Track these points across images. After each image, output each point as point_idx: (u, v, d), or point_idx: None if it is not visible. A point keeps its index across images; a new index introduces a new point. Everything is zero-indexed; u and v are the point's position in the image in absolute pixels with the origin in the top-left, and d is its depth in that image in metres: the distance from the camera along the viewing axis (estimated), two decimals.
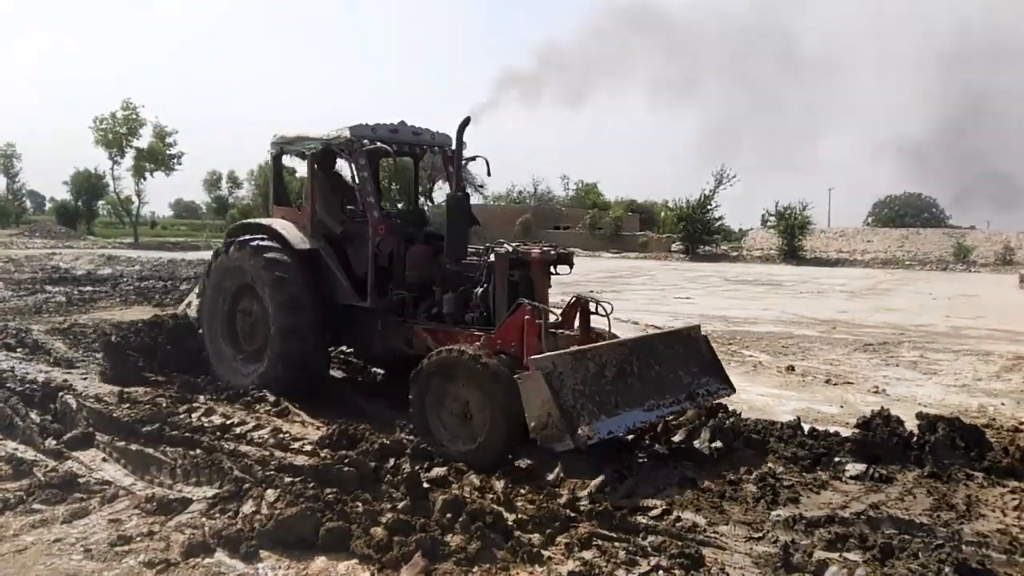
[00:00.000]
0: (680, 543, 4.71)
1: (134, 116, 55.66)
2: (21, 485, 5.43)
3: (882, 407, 6.95)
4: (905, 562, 4.05)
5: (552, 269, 7.16)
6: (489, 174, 7.81)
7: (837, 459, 6.19)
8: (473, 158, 8.29)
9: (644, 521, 5.05)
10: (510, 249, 7.03)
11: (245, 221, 8.80)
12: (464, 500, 5.03)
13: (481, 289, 7.21)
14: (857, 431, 6.42)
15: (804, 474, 5.99)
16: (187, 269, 26.67)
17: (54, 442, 6.17)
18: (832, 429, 6.99)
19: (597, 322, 7.23)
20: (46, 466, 5.74)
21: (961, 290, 26.27)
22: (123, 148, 56.37)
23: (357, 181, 7.92)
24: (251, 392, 7.75)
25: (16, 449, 6.13)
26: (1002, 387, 9.91)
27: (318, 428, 6.88)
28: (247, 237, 8.15)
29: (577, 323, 7.15)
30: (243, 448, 5.97)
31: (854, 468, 5.94)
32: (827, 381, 10.15)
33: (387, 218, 7.90)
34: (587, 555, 4.60)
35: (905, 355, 12.44)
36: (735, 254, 51.02)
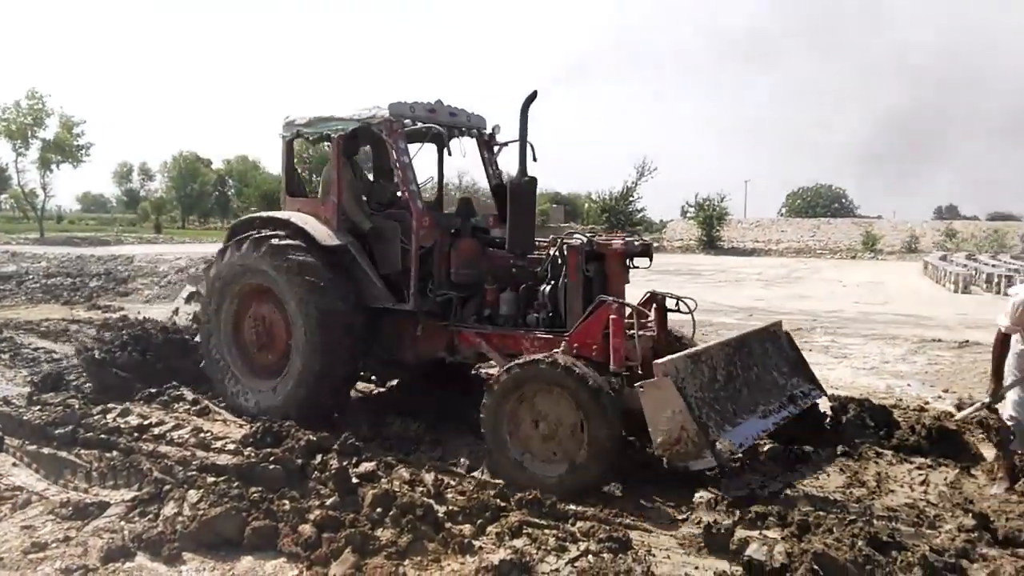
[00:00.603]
0: (608, 527, 4.81)
1: (40, 106, 53.15)
2: None
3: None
4: (821, 537, 4.22)
5: (628, 262, 6.35)
6: (535, 159, 6.72)
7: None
8: (505, 144, 7.56)
9: (573, 508, 5.12)
10: (585, 240, 6.27)
11: (256, 215, 7.62)
12: (394, 494, 5.01)
13: (548, 286, 6.40)
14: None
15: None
16: (97, 265, 25.62)
17: None
18: None
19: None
20: None
21: (869, 277, 27.38)
22: (28, 139, 53.80)
23: (397, 167, 6.87)
24: (167, 391, 7.48)
25: None
26: (908, 369, 10.40)
27: (241, 427, 6.73)
28: (266, 233, 6.96)
29: (655, 325, 6.40)
30: (163, 449, 5.80)
31: (773, 449, 6.14)
32: None
33: (429, 209, 7.03)
34: (518, 543, 4.64)
35: (818, 340, 12.91)
36: (656, 245, 51.95)
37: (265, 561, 4.49)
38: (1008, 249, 41.67)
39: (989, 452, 6.22)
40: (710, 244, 48.48)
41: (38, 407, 6.87)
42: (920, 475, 5.73)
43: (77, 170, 76.78)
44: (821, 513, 4.70)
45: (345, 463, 5.64)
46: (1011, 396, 5.46)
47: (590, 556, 4.36)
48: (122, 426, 6.33)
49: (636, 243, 6.35)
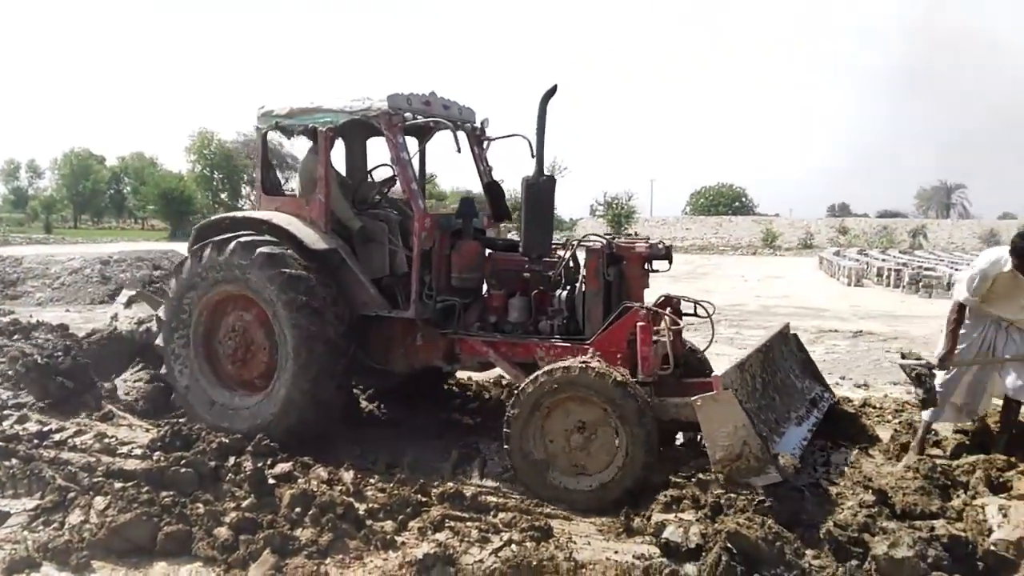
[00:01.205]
0: (529, 517, 4.89)
1: None
2: None
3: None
4: (733, 517, 4.39)
5: (648, 266, 6.06)
6: (533, 156, 6.24)
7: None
8: (496, 139, 7.16)
9: (494, 500, 5.18)
10: (605, 243, 5.99)
11: (227, 215, 6.96)
12: (312, 493, 4.94)
13: (564, 292, 6.09)
14: None
15: None
16: None
17: None
18: None
19: None
20: None
21: (769, 272, 28.48)
22: None
23: (396, 163, 6.41)
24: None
25: None
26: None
27: (147, 430, 6.51)
28: (246, 238, 6.23)
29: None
30: (65, 455, 5.56)
31: (683, 436, 6.33)
32: None
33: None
34: (441, 537, 4.66)
35: (723, 332, 13.30)
36: None
37: (180, 566, 4.40)
38: (896, 244, 44.07)
39: (885, 433, 6.60)
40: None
41: None
42: (822, 456, 6.02)
43: None
44: (731, 495, 4.86)
45: (260, 464, 5.52)
46: (943, 373, 5.84)
47: (513, 546, 4.41)
48: (20, 433, 6.02)
49: (659, 246, 6.08)
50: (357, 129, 6.82)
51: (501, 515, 4.96)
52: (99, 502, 4.79)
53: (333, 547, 4.52)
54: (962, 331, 5.84)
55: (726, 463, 4.77)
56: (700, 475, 5.08)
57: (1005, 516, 4.50)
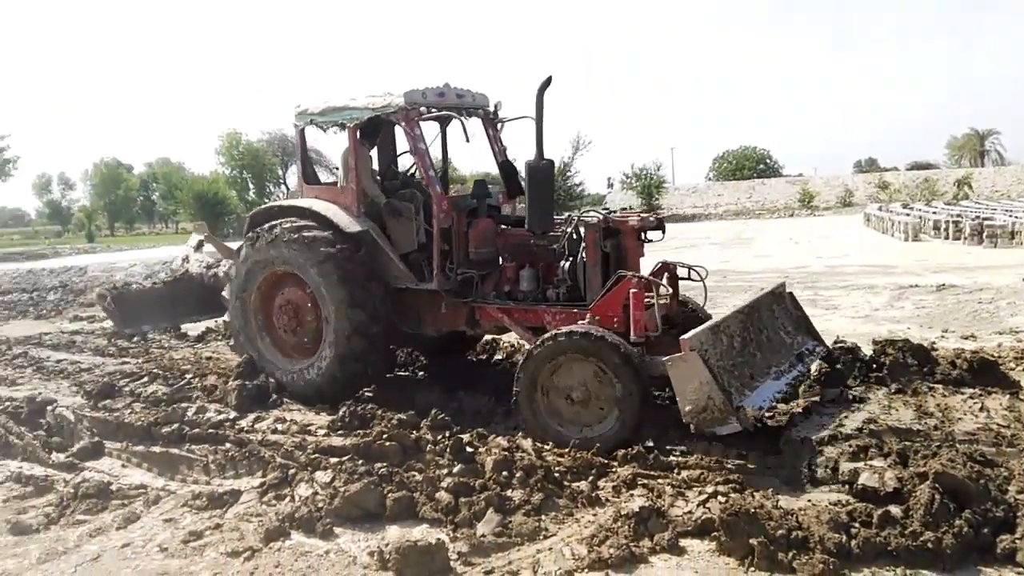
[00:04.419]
0: (716, 474, 5.16)
1: None
2: (49, 500, 5.24)
3: (837, 337, 7.74)
4: (925, 461, 4.66)
5: (643, 236, 6.66)
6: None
7: (804, 388, 6.84)
8: (509, 120, 7.73)
9: (675, 459, 5.46)
10: (601, 218, 6.64)
11: (275, 203, 7.99)
12: (512, 459, 5.28)
13: (567, 263, 6.76)
14: (822, 362, 7.09)
15: (783, 404, 6.58)
16: (50, 278, 24.85)
17: (61, 456, 5.92)
18: None
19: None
20: (66, 479, 5.53)
21: (816, 233, 28.50)
22: None
23: (414, 153, 7.22)
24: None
25: (21, 467, 5.84)
26: (899, 314, 11.08)
27: (317, 414, 6.88)
28: (291, 224, 7.21)
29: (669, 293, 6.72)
30: (271, 437, 5.94)
31: (829, 392, 6.61)
32: None
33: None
34: (636, 493, 4.98)
35: (800, 294, 13.24)
36: None
37: (411, 528, 4.72)
38: (939, 196, 43.52)
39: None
40: (651, 212, 49.29)
41: (129, 411, 6.92)
42: (975, 403, 6.24)
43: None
44: (907, 443, 5.14)
45: (443, 435, 5.87)
46: None
47: (719, 496, 4.72)
48: (224, 421, 6.41)
49: (651, 218, 6.75)
50: (385, 120, 7.45)
51: (685, 472, 5.27)
52: (320, 476, 5.17)
53: (545, 505, 4.85)
54: None
55: (694, 415, 5.31)
56: (871, 426, 5.37)
57: None
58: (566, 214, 7.18)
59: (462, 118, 7.29)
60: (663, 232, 6.75)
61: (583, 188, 55.09)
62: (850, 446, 5.20)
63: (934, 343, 8.61)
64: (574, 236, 6.76)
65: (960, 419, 5.78)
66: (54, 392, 8.00)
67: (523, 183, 6.96)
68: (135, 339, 10.61)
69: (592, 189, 60.65)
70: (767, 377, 6.09)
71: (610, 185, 62.37)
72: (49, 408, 6.91)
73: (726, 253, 23.01)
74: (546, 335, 5.99)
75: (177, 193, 63.37)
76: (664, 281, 6.70)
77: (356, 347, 6.92)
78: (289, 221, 7.26)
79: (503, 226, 7.26)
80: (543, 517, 4.74)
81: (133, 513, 4.97)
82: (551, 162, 6.82)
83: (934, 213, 24.85)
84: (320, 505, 4.83)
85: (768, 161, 78.84)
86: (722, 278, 16.80)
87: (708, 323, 5.96)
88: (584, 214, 6.85)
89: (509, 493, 4.96)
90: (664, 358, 5.52)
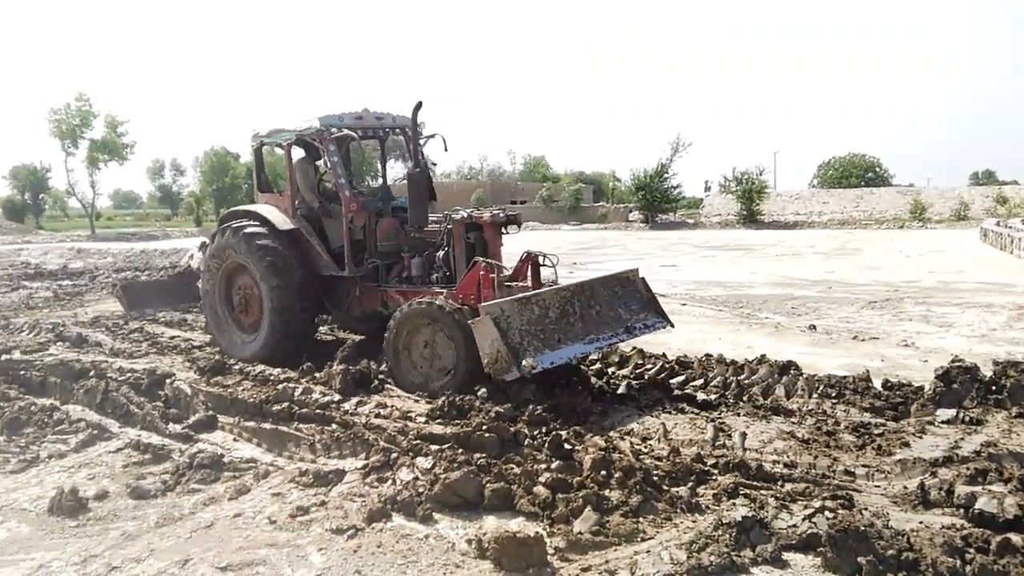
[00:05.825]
0: (822, 488, 5.01)
1: (87, 107, 55.29)
2: (166, 468, 5.51)
3: (954, 356, 7.39)
4: None
5: (504, 230, 8.16)
6: (446, 150, 9.06)
7: (917, 407, 6.58)
8: (432, 136, 9.09)
9: (779, 471, 5.34)
10: (465, 215, 8.18)
11: (236, 208, 9.82)
12: (610, 459, 5.26)
13: (443, 252, 8.33)
14: (938, 381, 6.79)
15: (894, 422, 6.36)
16: (161, 259, 26.19)
17: (177, 427, 6.23)
18: (902, 380, 7.39)
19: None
20: (181, 449, 5.81)
21: (928, 246, 27.26)
22: (76, 139, 55.87)
23: (328, 165, 8.82)
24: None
25: (140, 435, 6.17)
26: (1019, 335, 10.49)
27: (416, 401, 7.02)
28: (237, 224, 9.07)
29: (530, 276, 7.91)
30: (375, 421, 6.09)
31: (944, 414, 6.32)
32: (854, 338, 10.59)
33: (358, 196, 8.91)
34: (738, 503, 4.88)
35: (911, 310, 13.01)
36: (692, 221, 51.85)
37: (508, 520, 4.75)
38: None
39: None
40: (750, 218, 48.17)
41: (240, 388, 7.24)
42: None
43: (114, 167, 78.14)
44: None
45: (539, 431, 5.89)
46: None
47: (826, 511, 4.58)
48: (329, 403, 6.63)
49: (501, 215, 8.19)
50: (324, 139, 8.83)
51: (789, 485, 5.14)
52: (421, 461, 5.26)
53: (643, 508, 4.80)
54: None
55: (489, 365, 6.57)
56: (990, 449, 5.11)
57: None
58: (444, 212, 8.62)
59: (358, 139, 9.14)
60: (518, 226, 8.28)
61: (680, 190, 54.33)
62: (967, 469, 4.96)
63: None
64: (447, 230, 8.25)
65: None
66: (169, 366, 8.43)
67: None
68: None
69: (689, 192, 59.81)
70: (577, 342, 7.12)
71: (707, 188, 61.38)
72: (168, 381, 7.28)
73: (831, 263, 22.28)
74: (402, 307, 7.46)
75: (281, 183, 65.54)
76: (529, 266, 7.89)
77: (283, 322, 8.58)
78: (239, 221, 9.17)
79: (406, 225, 8.65)
80: (641, 519, 4.70)
81: (244, 485, 5.19)
82: (426, 170, 8.84)
83: None
84: (421, 490, 4.93)
85: (877, 170, 75.97)
86: (827, 289, 16.31)
87: (518, 296, 7.05)
88: (452, 211, 8.41)
89: (607, 493, 4.93)
90: (469, 320, 6.76)
